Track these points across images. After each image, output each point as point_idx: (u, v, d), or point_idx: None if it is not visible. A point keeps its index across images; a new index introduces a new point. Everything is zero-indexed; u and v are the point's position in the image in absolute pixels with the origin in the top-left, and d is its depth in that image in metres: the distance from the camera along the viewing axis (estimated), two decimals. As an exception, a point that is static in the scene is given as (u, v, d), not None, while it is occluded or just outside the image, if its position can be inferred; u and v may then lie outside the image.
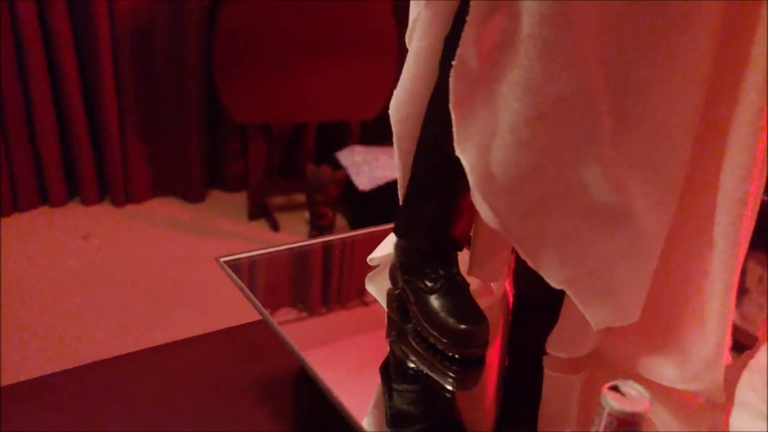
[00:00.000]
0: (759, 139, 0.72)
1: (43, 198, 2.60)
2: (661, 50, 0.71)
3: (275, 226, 2.59)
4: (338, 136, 2.82)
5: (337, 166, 2.57)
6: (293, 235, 2.53)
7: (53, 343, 1.80)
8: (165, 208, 2.70)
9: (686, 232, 0.79)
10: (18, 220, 2.49)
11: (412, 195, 0.88)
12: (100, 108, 2.57)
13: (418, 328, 0.84)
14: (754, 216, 0.77)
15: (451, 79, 0.74)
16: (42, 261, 2.21)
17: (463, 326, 0.79)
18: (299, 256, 1.15)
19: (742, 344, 1.92)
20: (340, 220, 2.61)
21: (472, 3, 0.72)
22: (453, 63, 0.74)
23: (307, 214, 2.56)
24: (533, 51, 0.68)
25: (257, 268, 1.07)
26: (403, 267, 0.88)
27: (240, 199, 2.76)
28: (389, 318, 0.90)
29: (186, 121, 2.68)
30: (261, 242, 2.47)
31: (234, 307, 2.05)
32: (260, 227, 2.60)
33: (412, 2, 0.89)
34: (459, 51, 0.73)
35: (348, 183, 2.51)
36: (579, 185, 0.72)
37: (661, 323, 0.82)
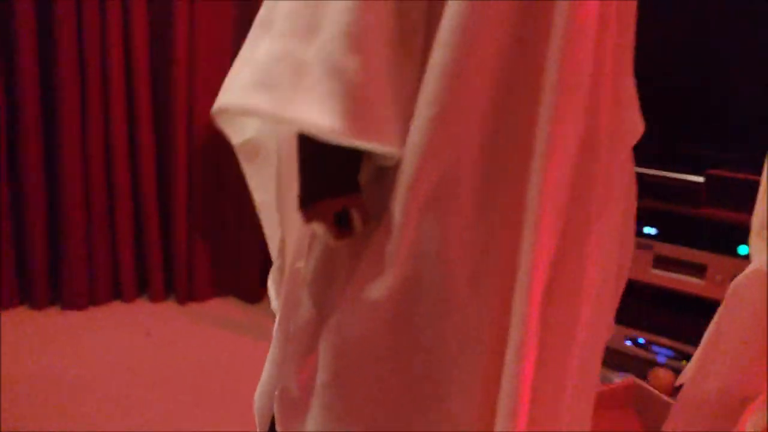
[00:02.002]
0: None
1: (117, 293, 2.85)
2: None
3: (323, 331, 2.71)
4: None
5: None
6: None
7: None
8: (224, 308, 2.89)
9: None
10: (93, 314, 2.73)
11: None
12: (172, 213, 2.83)
13: None
14: None
15: (275, 405, 0.92)
16: (107, 357, 2.40)
17: None
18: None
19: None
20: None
21: (290, 346, 0.92)
22: (276, 392, 0.93)
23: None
24: (325, 402, 0.86)
25: None
26: None
27: (294, 301, 2.91)
28: None
29: (246, 223, 2.89)
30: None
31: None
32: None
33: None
34: (282, 383, 0.93)
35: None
36: None
37: None
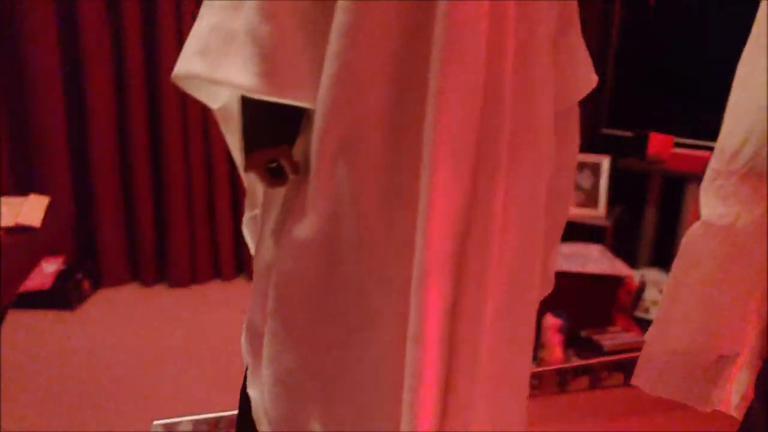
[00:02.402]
0: None
1: (217, 273, 3.04)
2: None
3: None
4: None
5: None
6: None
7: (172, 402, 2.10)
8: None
9: None
10: (195, 291, 2.93)
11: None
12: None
13: None
14: None
15: (245, 335, 1.08)
16: (207, 330, 2.58)
17: None
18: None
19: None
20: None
21: (256, 283, 1.04)
22: (245, 324, 1.07)
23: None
24: (271, 328, 0.99)
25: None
26: None
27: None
28: None
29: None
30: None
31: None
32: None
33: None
34: (249, 315, 1.06)
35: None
36: None
37: None
